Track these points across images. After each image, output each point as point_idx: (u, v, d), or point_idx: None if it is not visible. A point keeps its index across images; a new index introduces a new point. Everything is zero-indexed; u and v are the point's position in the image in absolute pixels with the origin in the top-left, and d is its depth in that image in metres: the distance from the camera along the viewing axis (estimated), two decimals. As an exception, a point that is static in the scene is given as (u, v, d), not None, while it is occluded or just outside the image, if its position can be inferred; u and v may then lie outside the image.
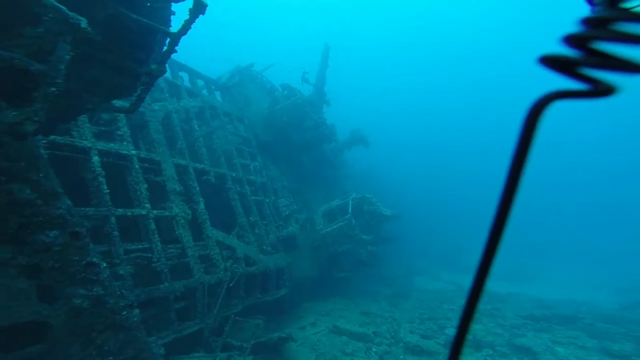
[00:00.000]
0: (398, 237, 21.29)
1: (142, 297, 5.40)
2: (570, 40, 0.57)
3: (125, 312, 3.69)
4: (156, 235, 6.33)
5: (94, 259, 3.26)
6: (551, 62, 0.57)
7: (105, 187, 5.56)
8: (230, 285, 8.12)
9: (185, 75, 10.89)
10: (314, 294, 12.73)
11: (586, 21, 0.57)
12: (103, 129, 6.31)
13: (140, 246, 5.97)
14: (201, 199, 8.44)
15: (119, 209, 5.66)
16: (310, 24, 76.18)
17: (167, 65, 10.24)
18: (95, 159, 5.65)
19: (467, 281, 19.87)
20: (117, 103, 4.19)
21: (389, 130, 64.30)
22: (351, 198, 13.35)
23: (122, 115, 6.70)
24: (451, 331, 10.22)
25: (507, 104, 74.82)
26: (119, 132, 6.60)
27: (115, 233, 5.36)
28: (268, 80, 15.91)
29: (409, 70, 79.67)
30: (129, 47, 3.49)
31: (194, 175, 8.55)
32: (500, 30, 73.13)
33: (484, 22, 73.87)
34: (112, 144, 6.22)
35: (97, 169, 5.59)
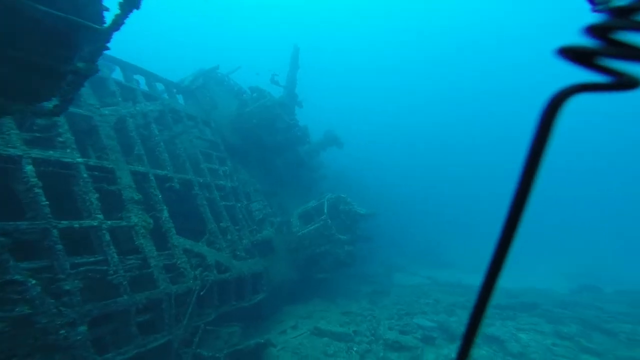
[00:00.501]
0: (376, 236, 21.41)
1: (95, 313, 4.99)
2: (592, 30, 0.54)
3: (63, 332, 3.34)
4: (112, 247, 5.92)
5: (16, 277, 2.92)
6: (571, 53, 0.54)
7: (43, 198, 5.12)
8: (201, 294, 7.75)
9: (141, 79, 10.43)
10: (294, 297, 12.48)
11: (609, 10, 0.55)
12: (38, 135, 5.85)
13: (92, 259, 5.55)
14: (164, 207, 8.03)
15: (63, 221, 5.23)
16: (279, 25, 76.09)
17: (118, 67, 9.76)
18: (29, 168, 5.20)
19: (442, 275, 20.34)
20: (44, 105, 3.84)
21: (364, 131, 65.09)
22: (326, 198, 13.22)
23: (62, 120, 6.26)
24: (420, 320, 10.41)
25: (484, 99, 77.74)
26: (60, 139, 6.14)
27: (59, 247, 4.93)
28: (235, 83, 15.59)
29: (383, 69, 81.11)
30: (45, 44, 3.18)
31: (155, 182, 8.13)
32: (472, 24, 75.50)
33: (461, 17, 75.91)
34: (51, 152, 5.76)
35: (32, 180, 5.14)
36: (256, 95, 14.06)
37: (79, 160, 6.25)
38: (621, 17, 0.53)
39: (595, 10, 0.56)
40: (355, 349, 8.52)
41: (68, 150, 6.15)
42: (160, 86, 11.16)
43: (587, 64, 0.54)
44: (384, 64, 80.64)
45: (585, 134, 67.25)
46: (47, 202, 5.17)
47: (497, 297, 14.31)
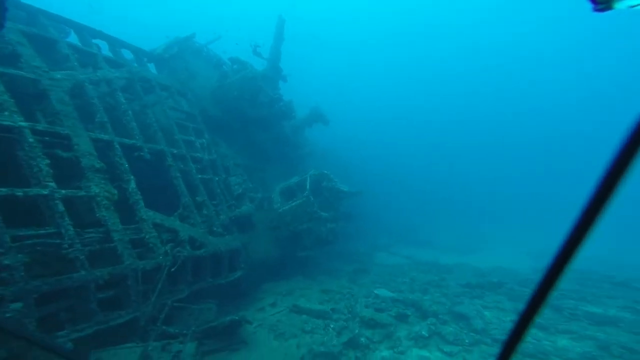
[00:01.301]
0: (362, 215, 21.33)
1: (45, 289, 4.56)
2: None
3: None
4: (66, 219, 5.41)
5: None
6: None
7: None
8: (172, 270, 7.38)
9: (104, 45, 9.53)
10: (275, 274, 12.29)
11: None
12: None
13: (42, 231, 5.05)
14: (132, 177, 7.48)
15: (1, 189, 4.68)
16: None
17: (72, 31, 8.81)
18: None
19: (421, 254, 20.57)
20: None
21: (352, 107, 64.14)
22: (309, 175, 12.83)
23: None
24: (382, 292, 10.50)
25: (471, 78, 77.39)
26: (-6, 101, 5.45)
27: (-3, 216, 4.41)
28: (215, 54, 14.65)
29: (371, 45, 79.13)
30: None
31: (120, 151, 7.53)
32: (463, 7, 74.11)
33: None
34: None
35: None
36: (237, 67, 13.24)
37: (22, 124, 5.59)
38: None
39: (596, 10, 0.59)
40: (332, 326, 8.43)
41: (6, 113, 5.48)
42: (128, 54, 10.26)
43: None
44: (372, 40, 78.65)
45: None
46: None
47: (469, 276, 14.73)
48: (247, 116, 13.40)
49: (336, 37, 77.47)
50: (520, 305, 10.05)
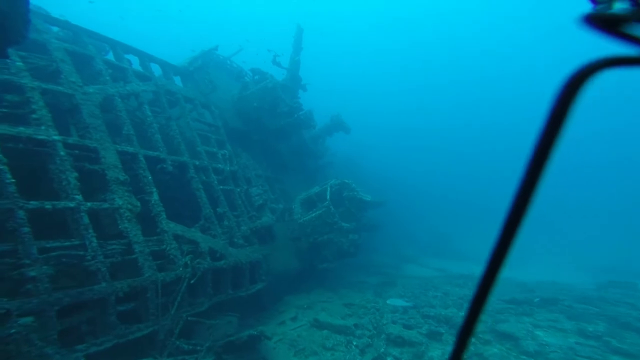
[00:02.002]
0: (387, 225, 20.65)
1: (67, 301, 4.58)
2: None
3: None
4: (90, 230, 5.50)
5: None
6: (598, 20, 0.52)
7: (8, 175, 4.69)
8: (192, 282, 7.34)
9: (135, 59, 9.92)
10: (296, 286, 12.07)
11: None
12: (5, 111, 5.41)
13: (67, 243, 5.14)
14: (154, 189, 7.59)
15: (32, 202, 4.81)
16: (282, 4, 73.83)
17: (108, 46, 9.25)
18: (-7, 144, 4.77)
19: (454, 267, 19.41)
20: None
21: (373, 115, 63.48)
22: (330, 184, 12.62)
23: (37, 96, 5.82)
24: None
25: (499, 85, 74.82)
26: (35, 116, 5.70)
27: (25, 229, 4.51)
28: (237, 65, 14.96)
29: (390, 53, 78.66)
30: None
31: (144, 163, 7.68)
32: (476, 12, 72.49)
33: (467, 6, 73.12)
34: (21, 128, 5.32)
35: (-5, 155, 4.71)
36: (257, 78, 13.41)
37: (56, 137, 5.81)
38: None
39: (596, 10, 0.56)
40: (355, 343, 8.03)
41: (43, 128, 5.71)
42: (156, 68, 10.64)
43: (614, 32, 0.51)
44: (393, 47, 78.17)
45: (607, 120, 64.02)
46: (13, 180, 4.74)
47: (512, 291, 13.52)
48: (267, 126, 13.48)
49: (356, 43, 77.81)
50: (587, 326, 9.00)
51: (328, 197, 12.20)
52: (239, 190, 11.04)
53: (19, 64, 6.31)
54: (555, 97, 0.49)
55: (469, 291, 13.25)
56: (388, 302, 10.24)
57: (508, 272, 18.63)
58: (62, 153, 5.76)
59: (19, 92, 5.93)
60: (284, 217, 12.67)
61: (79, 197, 5.63)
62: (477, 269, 18.37)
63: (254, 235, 10.73)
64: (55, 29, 8.06)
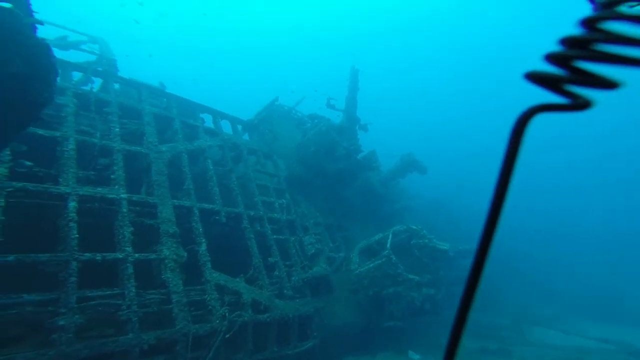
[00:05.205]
0: (498, 277, 16.85)
1: (85, 353, 4.97)
2: (554, 58, 0.63)
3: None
4: (132, 280, 6.10)
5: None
6: (537, 78, 0.63)
7: (74, 232, 5.64)
8: (227, 336, 7.28)
9: (208, 117, 11.47)
10: (357, 346, 10.83)
11: (567, 41, 0.63)
12: (92, 173, 6.68)
13: (108, 292, 5.76)
14: (203, 240, 8.14)
15: (86, 254, 5.63)
16: (336, 48, 75.60)
17: (186, 106, 11.02)
18: (72, 205, 5.87)
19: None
20: None
21: (460, 152, 57.27)
22: (392, 231, 11.47)
23: (119, 157, 7.09)
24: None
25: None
26: (113, 176, 6.90)
27: (72, 279, 5.25)
28: (302, 114, 15.75)
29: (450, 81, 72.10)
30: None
31: (198, 215, 8.41)
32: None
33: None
34: (99, 189, 6.48)
35: (71, 215, 5.75)
36: (316, 122, 13.82)
37: (123, 196, 6.88)
38: (581, 48, 0.61)
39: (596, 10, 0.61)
40: None
41: (116, 187, 6.86)
42: (225, 123, 12.09)
43: (551, 87, 0.63)
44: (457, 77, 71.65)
45: None
46: (77, 235, 5.68)
47: None
48: (326, 171, 13.45)
49: (423, 79, 74.65)
50: None
51: (388, 245, 11.04)
52: (293, 239, 11.01)
53: (117, 129, 7.95)
54: (509, 136, 0.63)
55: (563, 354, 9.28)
56: (410, 354, 7.86)
57: (614, 330, 12.50)
58: (124, 210, 6.75)
59: (109, 155, 7.39)
60: (342, 268, 11.93)
61: (129, 249, 6.39)
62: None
63: (306, 287, 10.31)
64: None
